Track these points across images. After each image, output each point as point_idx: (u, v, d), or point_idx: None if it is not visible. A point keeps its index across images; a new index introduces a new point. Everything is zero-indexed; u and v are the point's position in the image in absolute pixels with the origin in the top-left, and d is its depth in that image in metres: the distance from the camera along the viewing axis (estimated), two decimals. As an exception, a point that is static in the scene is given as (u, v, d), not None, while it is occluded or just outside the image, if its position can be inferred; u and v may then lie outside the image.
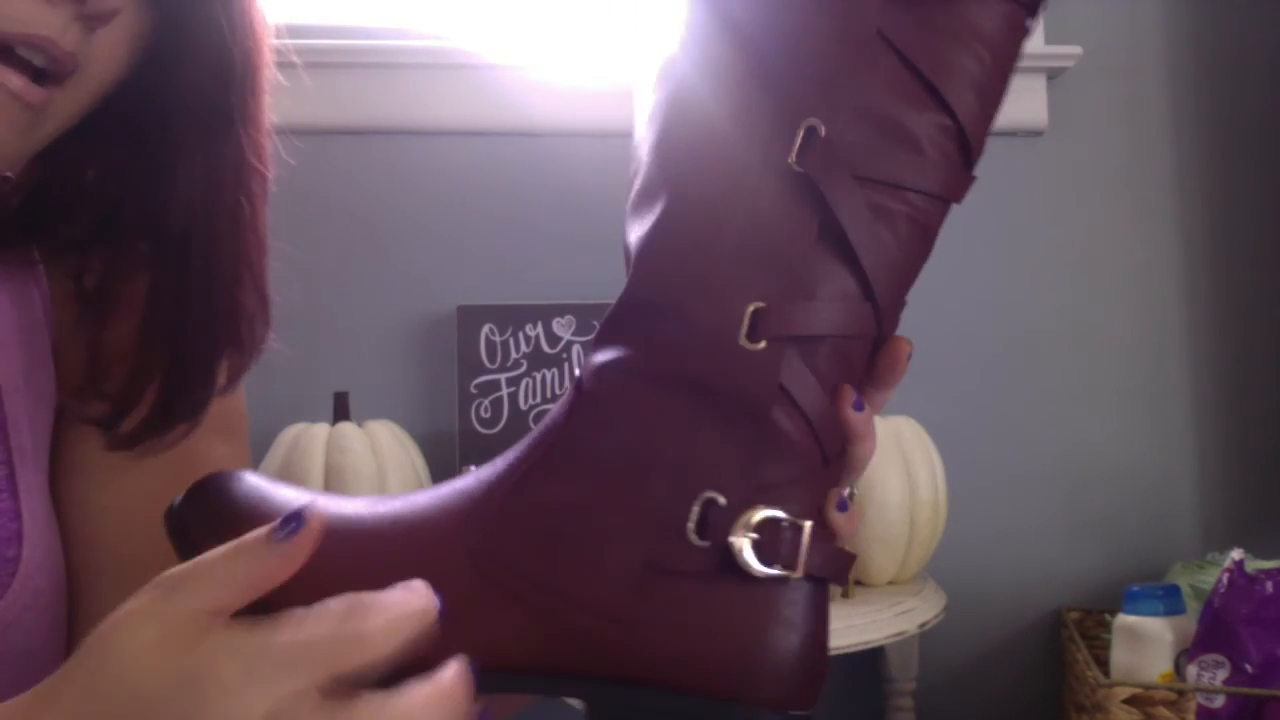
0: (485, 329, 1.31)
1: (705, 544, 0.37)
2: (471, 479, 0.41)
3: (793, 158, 0.38)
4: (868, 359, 0.41)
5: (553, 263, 1.39)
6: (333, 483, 1.13)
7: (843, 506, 0.40)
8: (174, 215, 0.53)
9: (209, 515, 0.40)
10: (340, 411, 1.22)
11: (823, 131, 0.38)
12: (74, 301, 0.56)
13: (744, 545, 0.37)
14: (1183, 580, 1.28)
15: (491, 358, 1.30)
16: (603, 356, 0.40)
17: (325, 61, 1.34)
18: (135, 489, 0.55)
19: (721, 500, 0.38)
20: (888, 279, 0.40)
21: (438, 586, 0.37)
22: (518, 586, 0.38)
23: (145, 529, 0.53)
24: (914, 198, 0.39)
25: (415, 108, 1.39)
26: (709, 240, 0.38)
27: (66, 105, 0.48)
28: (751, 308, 0.38)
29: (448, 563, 0.38)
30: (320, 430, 1.18)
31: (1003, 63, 0.40)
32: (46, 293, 0.57)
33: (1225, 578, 1.10)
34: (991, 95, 0.41)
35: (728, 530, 0.37)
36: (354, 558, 0.38)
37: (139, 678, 0.34)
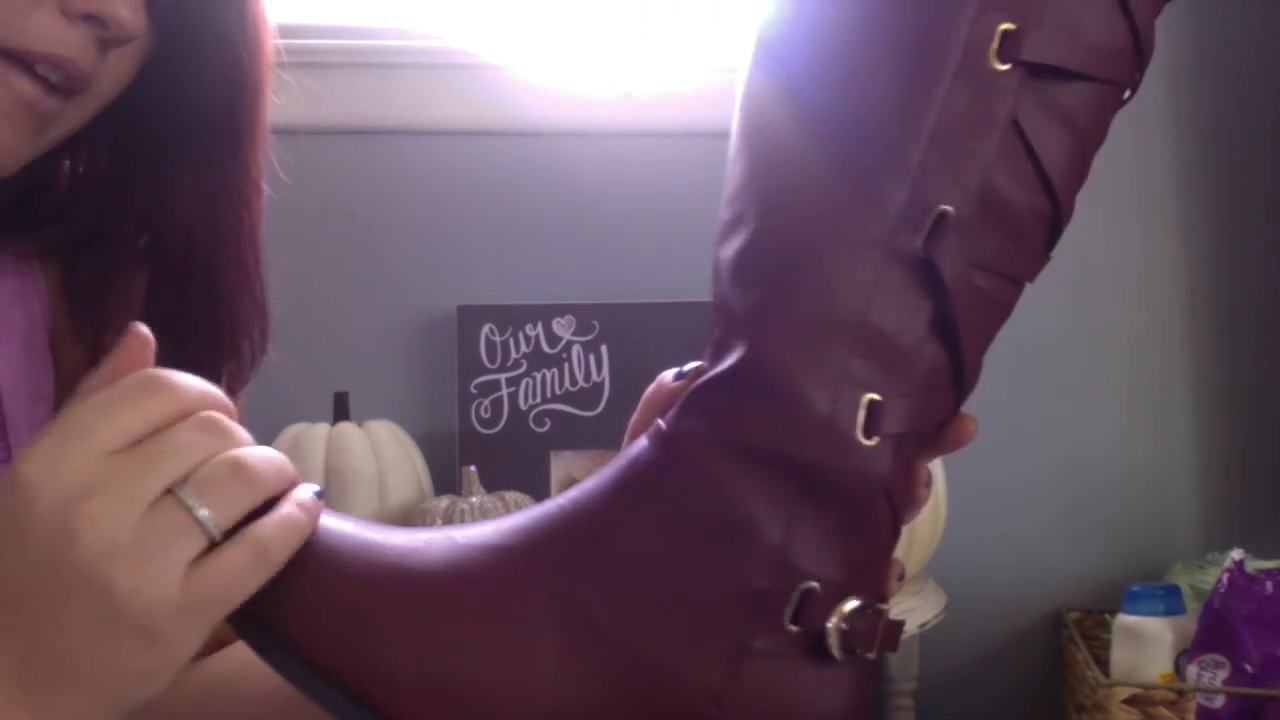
0: (485, 329, 1.31)
1: (798, 630, 0.37)
2: (531, 515, 0.40)
3: (920, 242, 0.37)
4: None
5: (553, 263, 1.39)
6: (332, 483, 1.13)
7: (901, 576, 0.41)
8: (177, 227, 0.54)
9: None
10: (340, 411, 1.22)
11: (952, 217, 0.37)
12: (68, 300, 0.57)
13: (833, 633, 0.38)
14: (1183, 580, 1.28)
15: (491, 358, 1.30)
16: (700, 419, 0.39)
17: (324, 62, 1.34)
18: None
19: (817, 588, 0.37)
20: (975, 365, 0.40)
21: (520, 649, 0.36)
22: (603, 652, 0.37)
23: None
24: (1004, 282, 0.39)
25: (414, 108, 1.39)
26: (827, 322, 0.37)
27: (72, 117, 0.50)
28: (866, 400, 0.37)
29: (529, 623, 0.37)
30: (320, 430, 1.18)
31: (1097, 146, 0.40)
32: (44, 291, 0.57)
33: (1225, 578, 1.10)
34: (1082, 178, 0.40)
35: (824, 619, 0.37)
36: (424, 611, 0.37)
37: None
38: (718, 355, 0.39)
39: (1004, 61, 0.37)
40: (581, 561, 0.38)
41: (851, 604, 0.38)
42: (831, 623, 0.37)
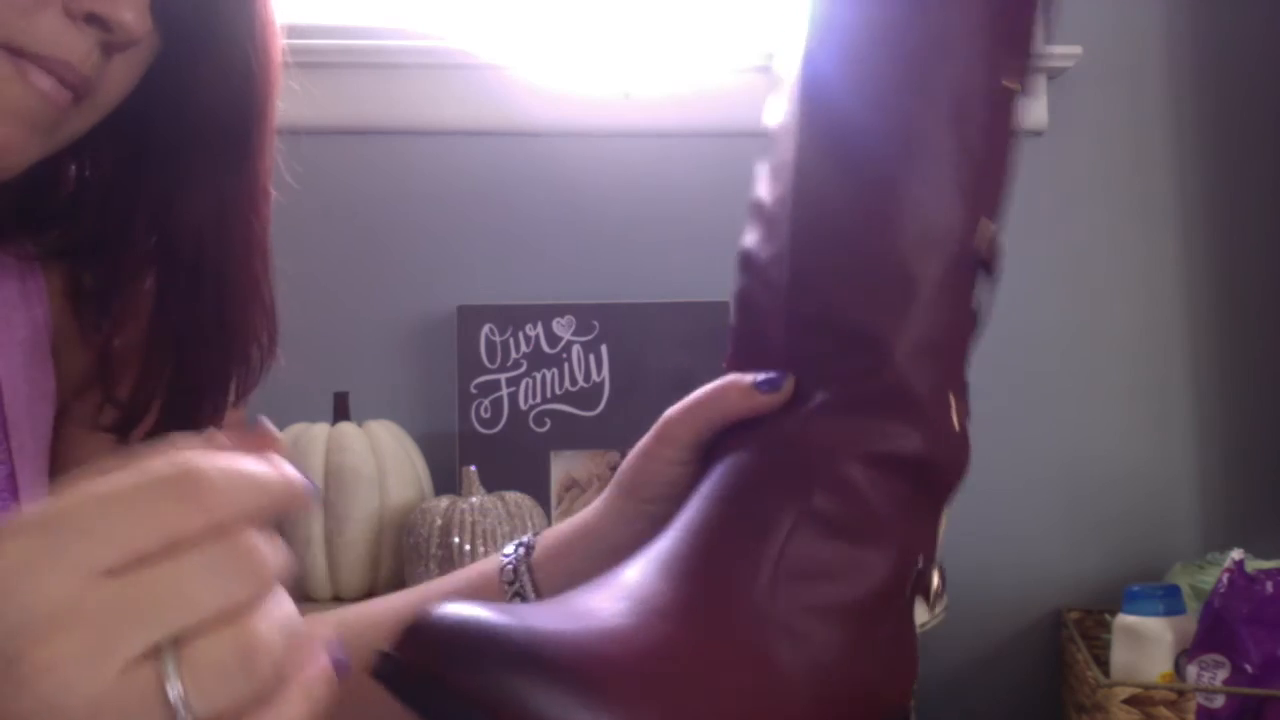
0: (485, 329, 1.31)
1: (908, 599, 0.42)
2: (658, 559, 0.40)
3: (980, 248, 0.43)
4: None
5: (553, 263, 1.39)
6: (332, 483, 1.13)
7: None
8: (185, 233, 0.54)
9: (454, 646, 0.35)
10: (340, 411, 1.22)
11: (994, 231, 0.43)
12: (72, 303, 0.57)
13: (932, 597, 0.43)
14: (1183, 580, 1.28)
15: (491, 358, 1.30)
16: (834, 431, 0.42)
17: (324, 61, 1.34)
18: None
19: (921, 563, 0.42)
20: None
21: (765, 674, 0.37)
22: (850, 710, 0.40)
23: None
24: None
25: (415, 108, 1.39)
26: (936, 340, 0.42)
27: (78, 120, 0.50)
28: (951, 394, 0.43)
29: (759, 647, 0.38)
30: (320, 430, 1.18)
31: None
32: (47, 293, 0.57)
33: (1225, 578, 1.10)
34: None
35: (927, 590, 0.43)
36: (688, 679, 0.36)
37: None
38: (820, 366, 0.43)
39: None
40: (776, 593, 0.39)
41: (937, 572, 0.43)
42: (932, 588, 0.43)
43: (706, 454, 0.46)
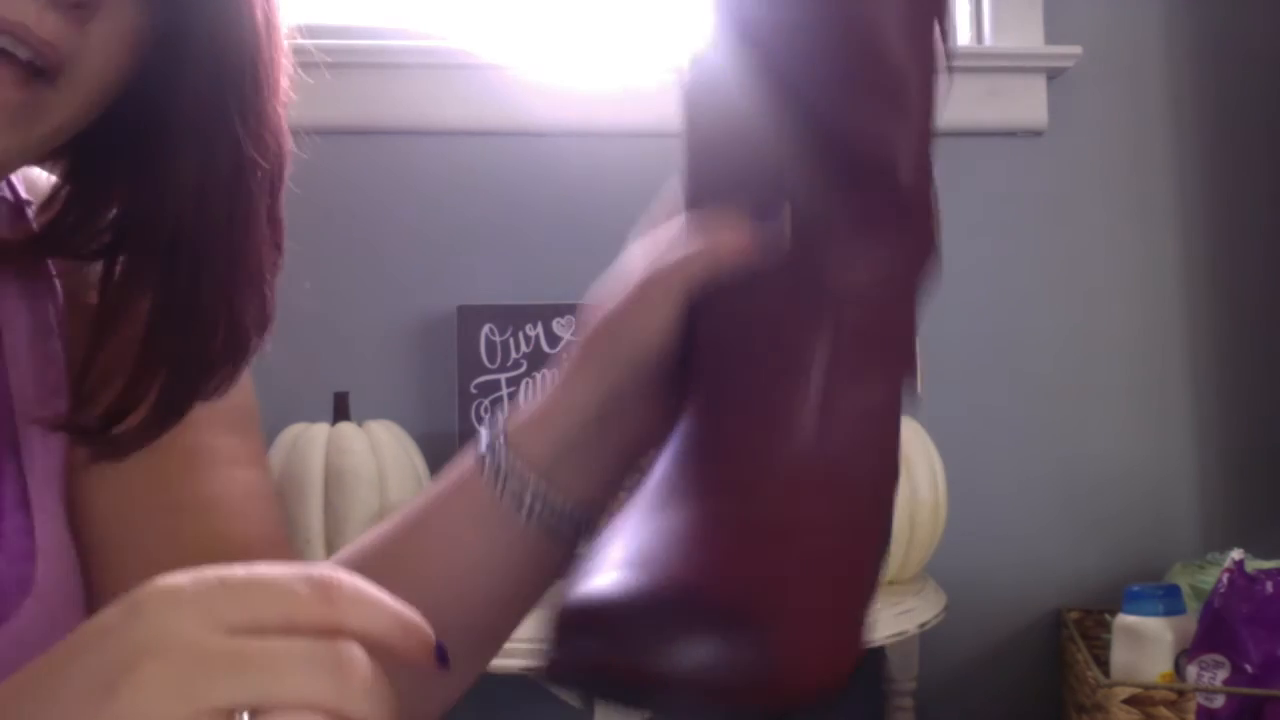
0: (485, 329, 1.31)
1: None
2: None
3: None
4: None
5: (553, 263, 1.39)
6: (332, 483, 1.13)
7: None
8: (164, 219, 0.49)
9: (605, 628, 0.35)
10: (340, 411, 1.22)
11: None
12: (76, 292, 0.55)
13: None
14: (1183, 580, 1.28)
15: (491, 358, 1.30)
16: (840, 254, 0.40)
17: (325, 61, 1.34)
18: (141, 486, 0.55)
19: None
20: None
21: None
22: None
23: (154, 524, 0.53)
24: None
25: (415, 108, 1.39)
26: (926, 128, 0.41)
27: (60, 106, 0.46)
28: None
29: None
30: (320, 430, 1.18)
31: None
32: (62, 304, 0.55)
33: (1225, 578, 1.10)
34: None
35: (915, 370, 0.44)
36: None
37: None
38: (814, 191, 0.40)
39: None
40: (808, 423, 0.38)
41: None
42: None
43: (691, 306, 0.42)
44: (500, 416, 0.50)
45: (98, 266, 0.54)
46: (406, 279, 1.40)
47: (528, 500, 0.47)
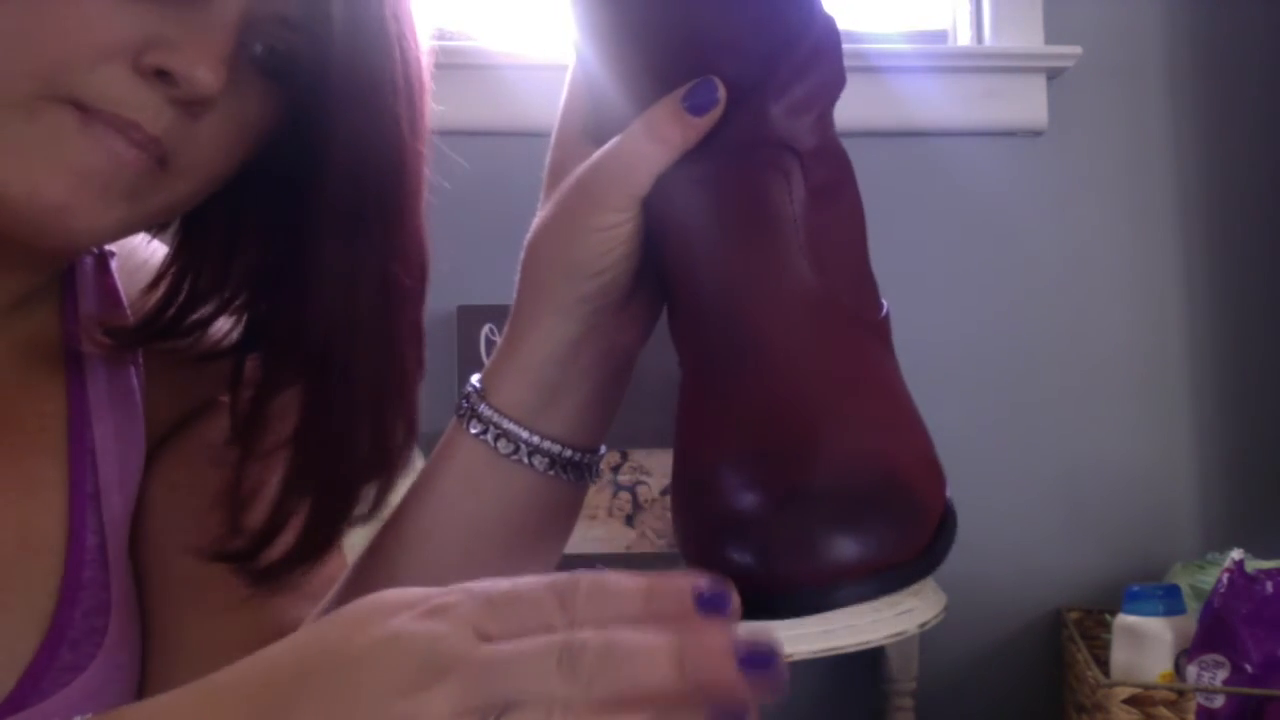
0: (485, 329, 1.31)
1: None
2: None
3: None
4: None
5: (553, 263, 1.39)
6: (333, 483, 1.13)
7: None
8: (312, 331, 0.47)
9: None
10: (340, 411, 1.22)
11: None
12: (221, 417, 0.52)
13: None
14: (1183, 580, 1.28)
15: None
16: (779, 114, 0.41)
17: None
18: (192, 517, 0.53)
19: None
20: None
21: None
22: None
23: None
24: None
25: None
26: None
27: (169, 190, 0.45)
28: None
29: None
30: (320, 430, 1.18)
31: None
32: (141, 370, 0.54)
33: (1225, 578, 1.10)
34: None
35: None
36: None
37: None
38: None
39: None
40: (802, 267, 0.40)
41: None
42: None
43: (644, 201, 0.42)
44: (472, 383, 0.48)
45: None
46: (406, 279, 1.40)
47: (521, 445, 0.46)
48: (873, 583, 0.34)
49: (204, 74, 0.42)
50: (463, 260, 1.41)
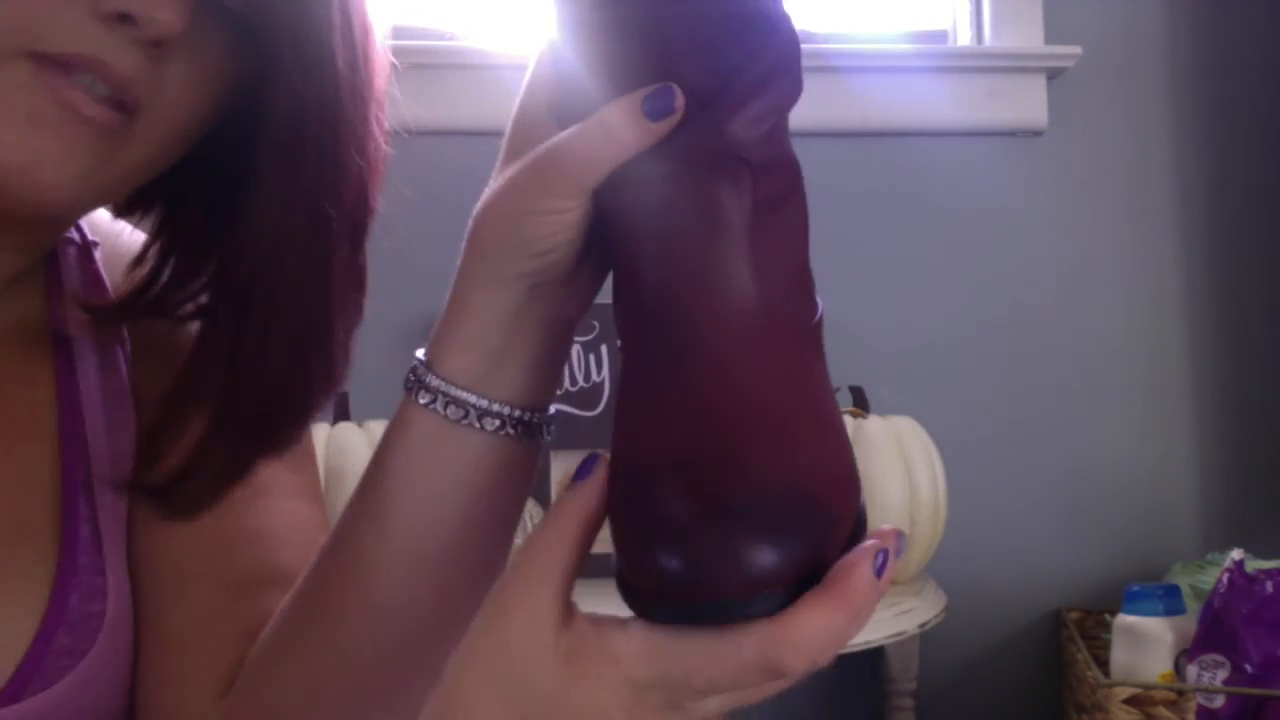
0: (485, 329, 1.31)
1: None
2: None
3: None
4: None
5: (553, 263, 1.39)
6: (332, 483, 1.13)
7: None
8: (239, 275, 0.48)
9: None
10: (340, 411, 1.22)
11: None
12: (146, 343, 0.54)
13: None
14: (1183, 580, 1.28)
15: (491, 358, 1.30)
16: (738, 121, 0.41)
17: (325, 61, 1.34)
18: (200, 519, 0.53)
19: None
20: None
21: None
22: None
23: (208, 553, 0.52)
24: None
25: (415, 107, 1.38)
26: None
27: (139, 142, 0.46)
28: None
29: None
30: (320, 430, 1.18)
31: None
32: (129, 353, 0.55)
33: (1225, 578, 1.10)
34: None
35: None
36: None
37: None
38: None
39: None
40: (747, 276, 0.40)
41: None
42: None
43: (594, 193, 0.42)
44: (417, 358, 0.48)
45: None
46: (407, 279, 1.40)
47: (470, 410, 0.46)
48: (789, 594, 0.36)
49: (166, 13, 0.43)
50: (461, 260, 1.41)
